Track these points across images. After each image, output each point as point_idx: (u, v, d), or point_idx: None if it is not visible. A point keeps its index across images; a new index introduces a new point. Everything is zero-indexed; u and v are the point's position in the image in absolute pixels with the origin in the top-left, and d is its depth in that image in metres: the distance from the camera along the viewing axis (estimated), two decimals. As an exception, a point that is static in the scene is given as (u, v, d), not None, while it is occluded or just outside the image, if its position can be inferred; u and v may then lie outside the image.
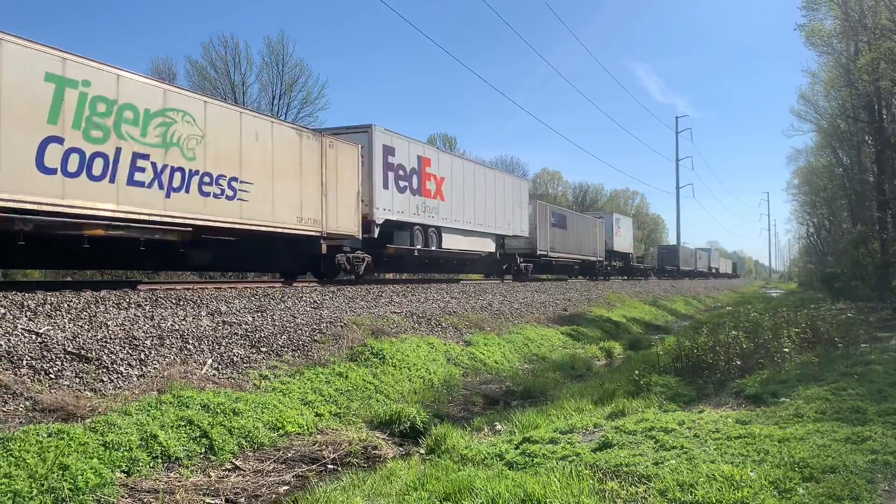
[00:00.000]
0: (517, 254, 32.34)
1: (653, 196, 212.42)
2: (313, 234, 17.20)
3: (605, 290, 34.66)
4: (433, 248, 23.96)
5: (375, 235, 20.26)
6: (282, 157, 16.00)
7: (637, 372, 10.67)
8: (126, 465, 6.62)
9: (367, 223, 19.83)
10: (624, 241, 51.53)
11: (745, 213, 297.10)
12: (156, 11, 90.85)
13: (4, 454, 6.04)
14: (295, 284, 17.29)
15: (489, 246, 28.70)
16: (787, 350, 10.77)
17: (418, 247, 22.85)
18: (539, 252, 33.74)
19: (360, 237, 19.24)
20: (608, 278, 46.35)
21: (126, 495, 6.28)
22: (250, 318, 12.13)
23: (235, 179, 14.54)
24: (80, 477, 6.08)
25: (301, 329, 12.41)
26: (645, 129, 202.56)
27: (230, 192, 14.41)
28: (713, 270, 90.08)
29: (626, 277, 52.69)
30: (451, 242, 25.15)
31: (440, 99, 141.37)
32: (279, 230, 15.95)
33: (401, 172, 21.78)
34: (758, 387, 8.86)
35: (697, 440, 6.62)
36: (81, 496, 5.95)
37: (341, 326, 13.34)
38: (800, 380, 9.06)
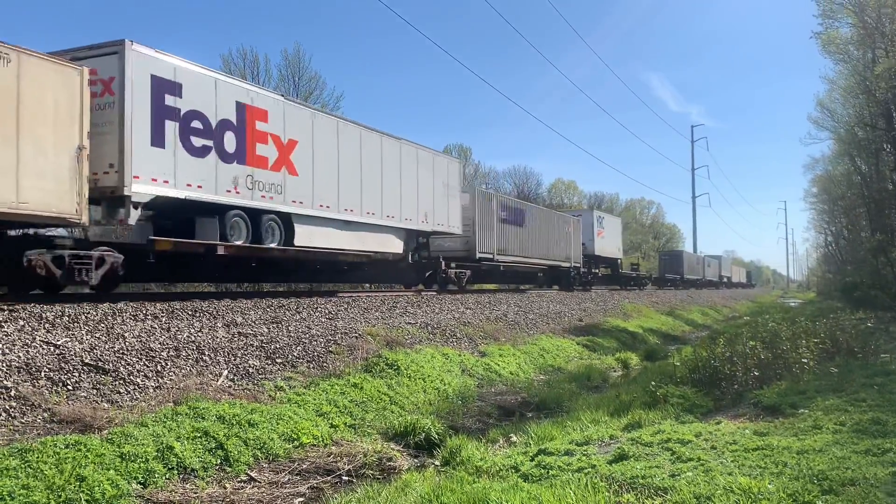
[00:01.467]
0: (443, 257, 24.48)
1: (669, 205, 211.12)
2: None
3: (620, 299, 34.47)
4: (272, 246, 16.02)
5: (131, 221, 12.65)
6: None
7: (653, 383, 10.60)
8: (142, 477, 6.66)
9: (113, 200, 12.71)
10: (609, 244, 43.51)
11: (762, 222, 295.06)
12: (175, 24, 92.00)
13: (23, 465, 6.09)
14: None
15: (392, 245, 20.76)
16: (805, 360, 10.65)
17: (237, 242, 15.05)
18: (480, 255, 25.83)
19: (86, 221, 11.73)
20: (588, 288, 39.05)
21: (142, 507, 6.31)
22: (265, 330, 12.18)
23: None
24: (96, 488, 6.12)
25: (316, 340, 12.45)
26: (660, 138, 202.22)
27: None
28: (724, 279, 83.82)
29: (613, 287, 45.91)
30: (311, 238, 17.23)
31: (454, 111, 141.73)
32: None
33: (196, 125, 13.94)
34: (776, 398, 8.76)
35: (714, 452, 6.56)
36: (98, 507, 5.98)
37: (356, 337, 13.36)
38: (818, 391, 8.95)
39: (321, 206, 17.46)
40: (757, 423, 7.75)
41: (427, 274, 24.60)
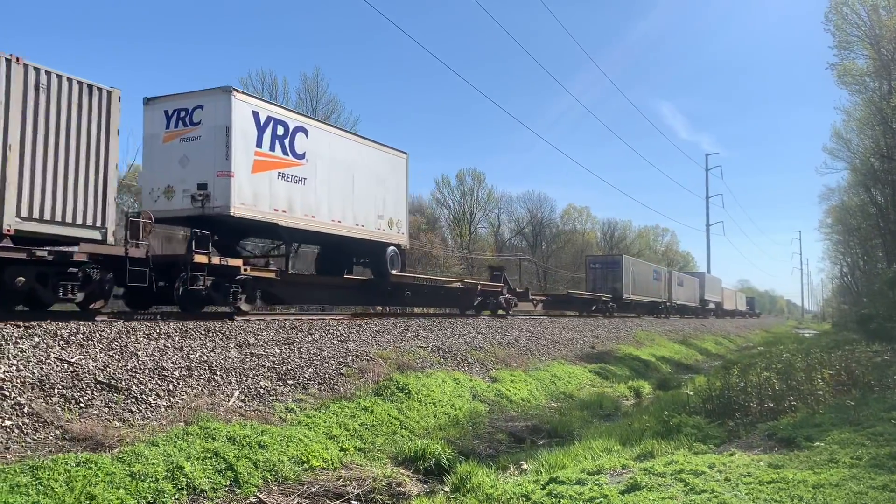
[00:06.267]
0: None
1: (683, 233, 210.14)
2: None
3: (633, 328, 34.25)
4: None
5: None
6: None
7: (666, 412, 10.50)
8: (152, 496, 6.64)
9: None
10: (343, 204, 18.47)
11: (777, 252, 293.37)
12: (198, 48, 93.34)
13: (34, 482, 6.10)
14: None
15: None
16: (820, 392, 10.53)
17: None
18: None
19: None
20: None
21: (151, 527, 6.29)
22: (277, 351, 12.19)
23: None
24: (106, 507, 6.10)
25: (327, 362, 12.44)
26: (672, 166, 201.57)
27: None
28: (710, 305, 64.29)
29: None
30: None
31: (468, 135, 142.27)
32: None
33: None
34: (790, 430, 8.66)
35: (729, 484, 6.47)
36: (107, 526, 5.96)
37: (367, 360, 13.34)
38: (834, 423, 8.83)
39: None
40: (771, 455, 7.65)
41: None
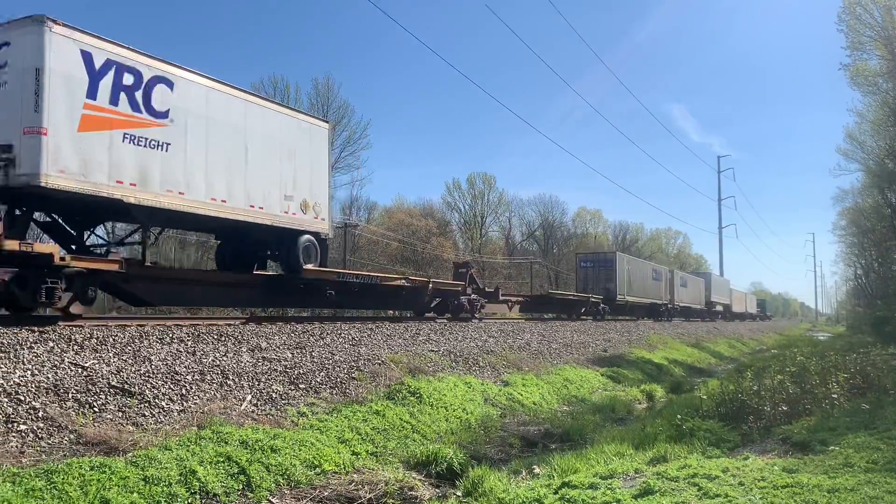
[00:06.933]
0: None
1: (695, 236, 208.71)
2: None
3: (646, 331, 34.07)
4: None
5: None
6: None
7: (679, 416, 10.45)
8: (165, 501, 6.67)
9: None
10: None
11: (790, 255, 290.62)
12: (211, 53, 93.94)
13: (48, 486, 6.14)
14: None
15: None
16: (835, 396, 10.46)
17: None
18: None
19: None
20: None
21: (164, 531, 6.31)
22: (289, 355, 12.22)
23: None
24: (120, 511, 6.12)
25: (339, 366, 12.46)
26: (684, 168, 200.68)
27: None
28: (717, 307, 61.80)
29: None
30: None
31: (478, 139, 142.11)
32: None
33: None
34: (805, 434, 8.60)
35: (742, 488, 6.43)
36: (121, 530, 5.98)
37: (379, 364, 13.35)
38: (849, 427, 8.77)
39: None
40: (786, 460, 7.60)
41: None
